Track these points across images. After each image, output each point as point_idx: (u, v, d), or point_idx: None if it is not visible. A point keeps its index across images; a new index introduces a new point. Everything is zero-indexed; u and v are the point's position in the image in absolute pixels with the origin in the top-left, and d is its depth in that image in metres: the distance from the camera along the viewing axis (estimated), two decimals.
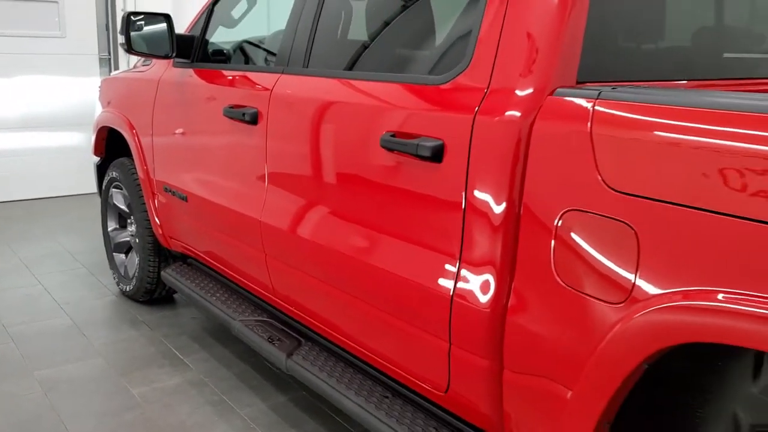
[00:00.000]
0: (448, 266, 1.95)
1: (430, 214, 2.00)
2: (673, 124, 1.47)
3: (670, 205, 1.43)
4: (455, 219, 1.92)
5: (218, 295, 3.28)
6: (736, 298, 1.34)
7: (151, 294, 4.09)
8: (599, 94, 1.61)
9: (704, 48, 2.15)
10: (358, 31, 2.56)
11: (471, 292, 1.89)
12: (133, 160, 3.91)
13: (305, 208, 2.50)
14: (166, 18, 3.14)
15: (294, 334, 2.82)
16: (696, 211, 1.39)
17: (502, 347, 1.84)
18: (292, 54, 2.60)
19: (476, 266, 1.88)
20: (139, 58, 3.94)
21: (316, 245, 2.44)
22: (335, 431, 2.91)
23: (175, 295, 4.28)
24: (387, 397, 2.35)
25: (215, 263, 3.31)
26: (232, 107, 2.83)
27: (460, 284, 1.92)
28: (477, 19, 1.92)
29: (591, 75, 1.80)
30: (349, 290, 2.33)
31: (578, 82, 1.78)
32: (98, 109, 4.34)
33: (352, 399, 2.36)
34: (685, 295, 1.40)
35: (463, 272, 1.91)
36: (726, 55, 2.18)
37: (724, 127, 1.38)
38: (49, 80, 6.64)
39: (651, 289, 1.47)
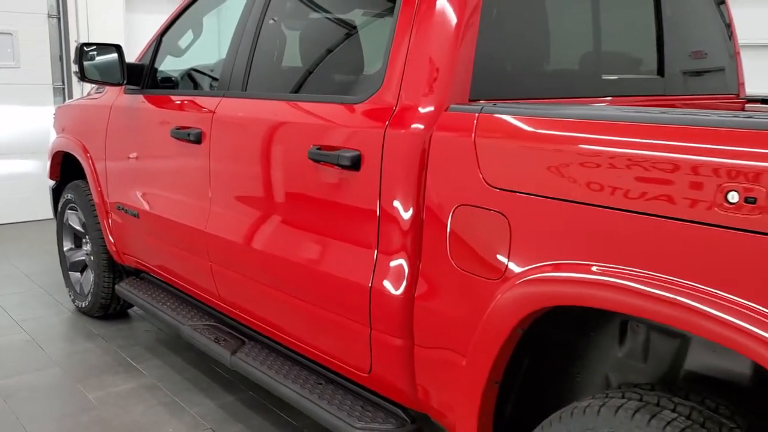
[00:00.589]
0: (367, 261, 2.25)
1: (352, 216, 2.29)
2: (536, 132, 1.80)
3: (534, 197, 1.76)
4: (372, 220, 2.22)
5: (169, 303, 3.52)
6: (587, 269, 1.66)
7: (106, 309, 4.30)
8: (481, 109, 1.94)
9: (585, 71, 2.51)
10: (290, 58, 2.86)
11: (387, 281, 2.18)
12: (87, 182, 4.14)
13: (245, 217, 2.78)
14: (117, 48, 3.41)
15: (238, 335, 3.08)
16: (554, 200, 1.72)
17: (412, 327, 2.14)
18: (232, 79, 2.89)
19: (390, 260, 2.18)
20: (93, 86, 4.18)
21: (255, 250, 2.71)
22: (279, 424, 3.16)
23: (130, 310, 4.48)
24: (320, 384, 2.62)
25: (166, 275, 3.55)
26: (178, 129, 3.11)
27: (377, 276, 2.21)
28: (387, 47, 2.24)
29: (482, 94, 2.13)
30: (285, 289, 2.61)
31: (471, 100, 2.11)
32: (53, 136, 4.56)
33: (289, 387, 2.62)
34: (545, 269, 1.72)
35: (380, 266, 2.21)
36: (604, 76, 2.54)
37: (574, 133, 1.71)
38: (4, 109, 6.80)
39: (519, 266, 1.78)
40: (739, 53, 3.10)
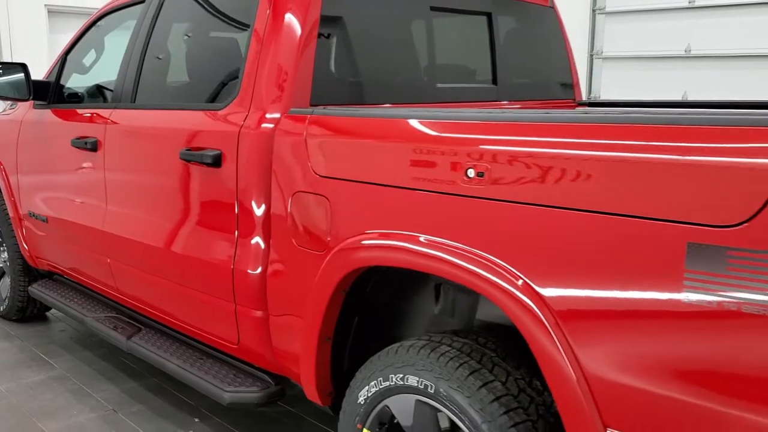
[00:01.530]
0: (230, 246, 2.62)
1: (217, 208, 2.66)
2: (348, 129, 2.20)
3: (347, 181, 2.15)
4: (232, 210, 2.59)
5: (77, 300, 3.82)
6: (383, 237, 2.05)
7: (23, 312, 4.56)
8: (312, 112, 2.34)
9: (420, 80, 2.93)
10: (170, 74, 3.22)
11: (245, 262, 2.55)
12: (1, 193, 4.41)
13: (133, 214, 3.12)
14: (23, 66, 3.72)
15: (135, 323, 3.40)
16: (361, 183, 2.12)
17: (266, 299, 2.51)
18: (123, 92, 3.24)
19: (247, 243, 2.55)
20: (8, 103, 4.47)
21: (142, 244, 3.05)
22: (176, 404, 3.49)
23: (48, 313, 4.75)
24: (202, 359, 2.96)
25: (74, 274, 3.85)
26: (78, 138, 3.43)
27: (238, 258, 2.58)
28: (243, 62, 2.62)
29: (324, 100, 2.52)
30: (167, 276, 2.95)
31: (311, 105, 2.50)
32: None
33: (174, 362, 2.96)
34: (353, 239, 2.11)
35: (240, 249, 2.58)
36: (439, 85, 2.97)
37: (374, 128, 2.12)
38: None
39: (336, 238, 2.18)
40: (574, 64, 3.57)
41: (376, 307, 2.42)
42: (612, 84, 10.66)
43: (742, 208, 1.36)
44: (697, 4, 10.01)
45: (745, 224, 1.36)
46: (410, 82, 2.88)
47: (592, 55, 11.17)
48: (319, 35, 2.53)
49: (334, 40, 2.60)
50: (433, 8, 2.92)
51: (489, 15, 3.14)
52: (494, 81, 3.18)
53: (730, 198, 1.38)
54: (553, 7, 3.46)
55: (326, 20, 2.55)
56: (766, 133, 1.36)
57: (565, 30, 3.52)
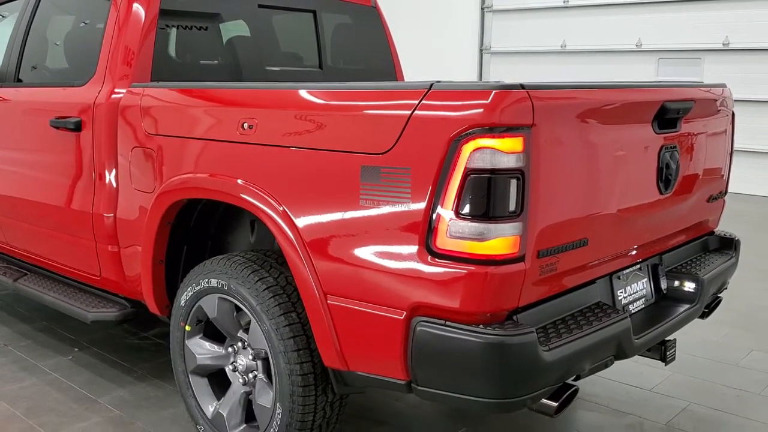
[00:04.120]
0: (89, 195, 3.26)
1: (79, 164, 3.30)
2: (169, 99, 2.89)
3: (166, 137, 2.84)
4: (91, 165, 3.24)
5: None
6: (190, 178, 2.75)
7: None
8: (147, 85, 3.01)
9: (249, 63, 3.62)
10: (45, 58, 3.84)
11: (100, 205, 3.20)
12: None
13: (15, 174, 3.73)
14: None
15: (22, 270, 4.00)
16: (176, 138, 2.81)
17: (117, 235, 3.18)
18: (8, 72, 3.84)
19: (102, 191, 3.20)
20: None
21: (23, 199, 3.67)
22: (60, 338, 4.11)
23: None
24: (75, 292, 3.60)
25: None
26: None
27: (95, 204, 3.23)
28: (99, 48, 3.27)
29: (163, 77, 3.19)
30: (44, 225, 3.58)
31: (152, 80, 3.17)
32: None
33: (50, 295, 3.59)
34: (170, 180, 2.80)
35: (97, 197, 3.23)
36: (268, 68, 3.67)
37: (184, 96, 2.82)
38: None
39: (160, 181, 2.86)
40: (396, 53, 4.32)
41: (203, 239, 3.12)
42: (499, 77, 11.58)
43: (386, 142, 2.12)
44: (570, 3, 11.00)
45: (387, 152, 2.12)
46: (240, 64, 3.58)
47: (482, 51, 12.10)
48: (159, 26, 3.20)
49: (173, 29, 3.27)
50: (261, 6, 3.62)
51: (314, 12, 3.86)
52: (320, 66, 3.91)
53: (381, 135, 2.14)
54: (375, 7, 4.21)
55: (165, 13, 3.22)
56: (392, 95, 2.14)
57: (387, 25, 4.27)
